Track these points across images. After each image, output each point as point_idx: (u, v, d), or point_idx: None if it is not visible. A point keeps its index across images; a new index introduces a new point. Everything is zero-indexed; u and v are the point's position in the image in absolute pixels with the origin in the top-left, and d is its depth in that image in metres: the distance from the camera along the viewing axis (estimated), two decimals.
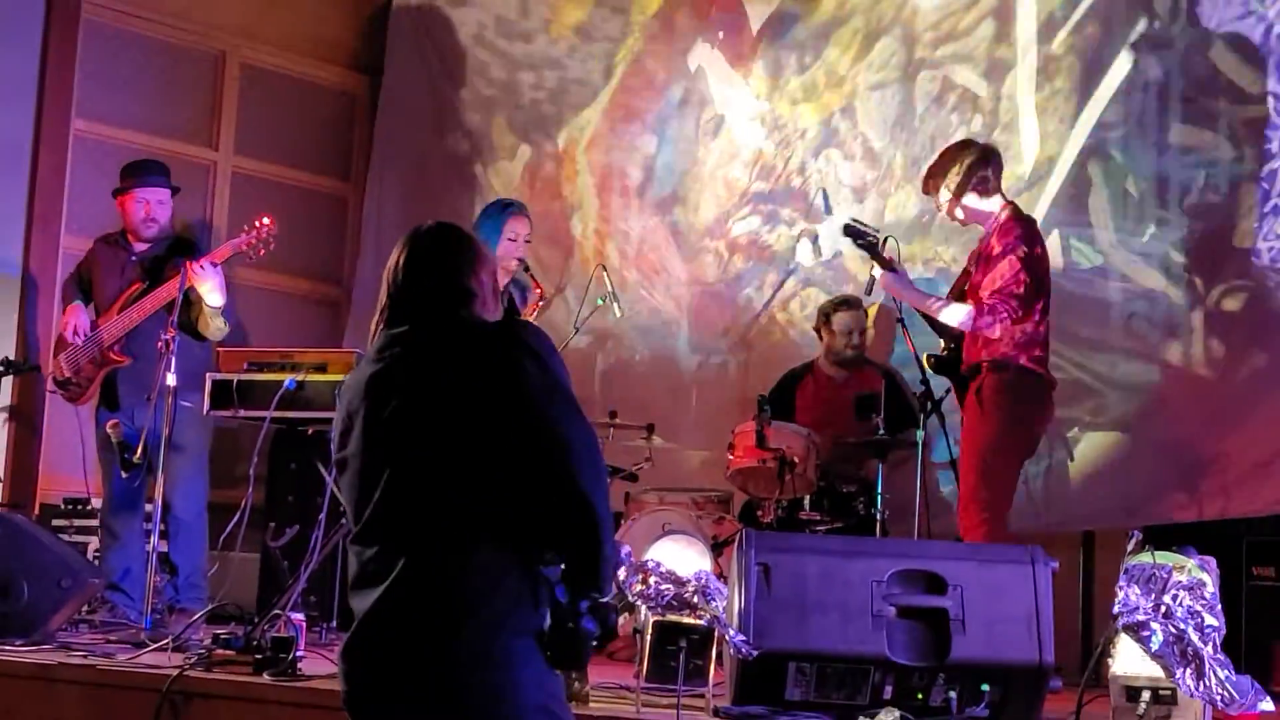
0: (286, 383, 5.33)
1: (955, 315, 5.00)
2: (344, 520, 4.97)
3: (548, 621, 2.51)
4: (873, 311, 6.29)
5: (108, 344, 5.79)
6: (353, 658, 2.57)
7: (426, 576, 2.49)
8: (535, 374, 2.52)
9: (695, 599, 3.65)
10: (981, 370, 4.96)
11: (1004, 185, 5.16)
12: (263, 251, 5.82)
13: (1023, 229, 4.97)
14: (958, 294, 5.19)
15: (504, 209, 5.59)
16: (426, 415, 2.54)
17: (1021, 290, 4.86)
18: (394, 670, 2.50)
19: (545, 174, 7.59)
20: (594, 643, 2.54)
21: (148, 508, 5.69)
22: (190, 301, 5.66)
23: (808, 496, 5.64)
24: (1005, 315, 4.86)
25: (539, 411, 2.50)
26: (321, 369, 5.43)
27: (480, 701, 2.45)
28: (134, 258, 5.93)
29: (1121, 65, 5.95)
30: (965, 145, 5.22)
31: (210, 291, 5.64)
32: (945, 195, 5.08)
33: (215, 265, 5.66)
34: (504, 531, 2.50)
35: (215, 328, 5.77)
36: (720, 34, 7.10)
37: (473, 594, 2.47)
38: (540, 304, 5.66)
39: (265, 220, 5.77)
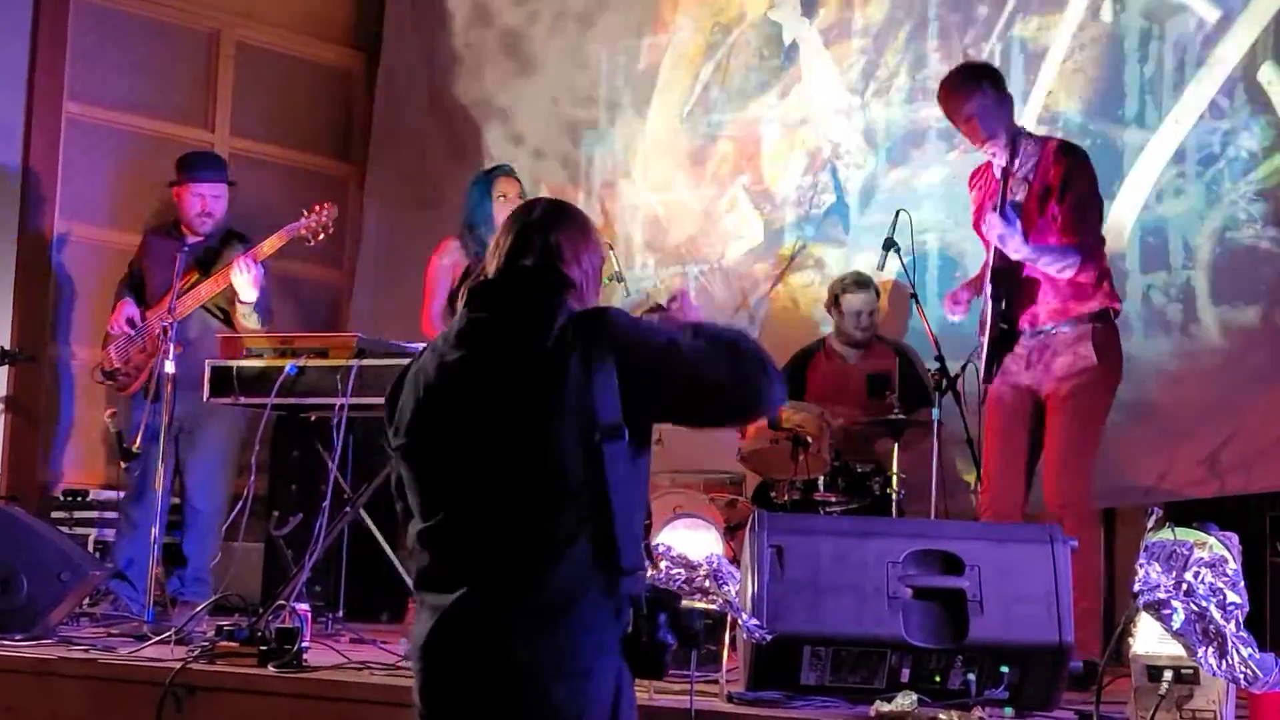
0: (288, 368, 5.25)
1: None
2: (348, 508, 4.99)
3: (628, 631, 2.53)
4: (886, 288, 6.22)
5: (158, 334, 5.77)
6: (435, 656, 2.54)
7: (516, 581, 2.48)
8: (627, 359, 2.51)
9: (707, 583, 3.59)
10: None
11: None
12: (321, 236, 5.80)
13: None
14: None
15: (489, 173, 5.70)
16: (515, 416, 2.50)
17: None
18: (481, 669, 2.49)
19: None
20: (671, 652, 2.55)
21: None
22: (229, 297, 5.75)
23: (822, 477, 5.60)
24: None
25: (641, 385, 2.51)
26: (323, 354, 5.34)
27: (565, 691, 2.47)
28: (185, 249, 5.89)
29: None
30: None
31: (245, 287, 5.67)
32: None
33: (255, 262, 5.68)
34: (592, 542, 2.49)
35: (248, 326, 5.78)
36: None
37: (561, 597, 2.47)
38: None
39: (326, 205, 5.77)
